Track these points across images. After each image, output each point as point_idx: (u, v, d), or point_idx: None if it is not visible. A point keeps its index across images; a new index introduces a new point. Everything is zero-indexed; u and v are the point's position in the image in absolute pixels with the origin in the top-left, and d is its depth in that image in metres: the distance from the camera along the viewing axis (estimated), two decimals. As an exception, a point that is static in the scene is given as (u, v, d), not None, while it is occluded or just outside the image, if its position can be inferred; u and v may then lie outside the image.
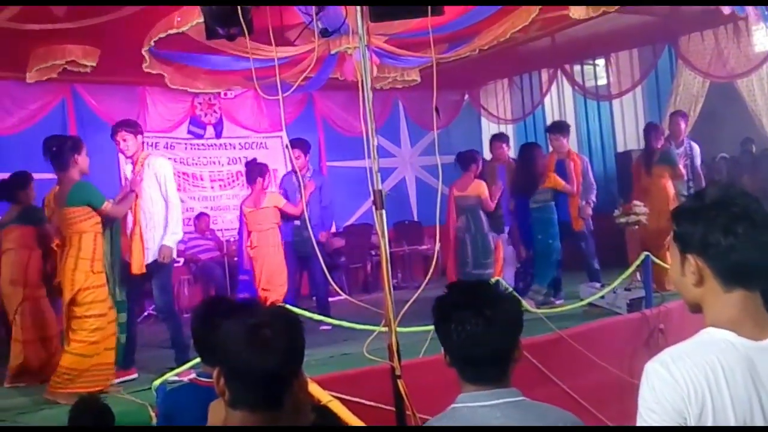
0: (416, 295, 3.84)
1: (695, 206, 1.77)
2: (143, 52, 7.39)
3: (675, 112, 9.21)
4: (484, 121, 13.14)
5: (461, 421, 1.97)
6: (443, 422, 2.01)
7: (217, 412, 1.87)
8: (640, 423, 1.67)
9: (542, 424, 1.96)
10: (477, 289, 2.13)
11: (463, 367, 2.05)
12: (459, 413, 2.00)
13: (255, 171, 7.83)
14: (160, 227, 6.11)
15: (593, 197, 8.39)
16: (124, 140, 6.19)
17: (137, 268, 6.00)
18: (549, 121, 12.08)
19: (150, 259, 6.06)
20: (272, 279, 7.44)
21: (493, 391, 2.00)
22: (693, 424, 1.61)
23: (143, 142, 6.50)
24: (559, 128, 8.60)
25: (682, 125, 8.74)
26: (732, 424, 1.61)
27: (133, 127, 6.34)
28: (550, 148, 8.63)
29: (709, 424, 1.61)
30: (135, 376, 5.97)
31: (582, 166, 8.32)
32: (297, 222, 7.90)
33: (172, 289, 6.61)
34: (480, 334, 1.99)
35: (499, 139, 9.34)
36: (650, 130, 8.72)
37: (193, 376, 3.16)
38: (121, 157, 10.06)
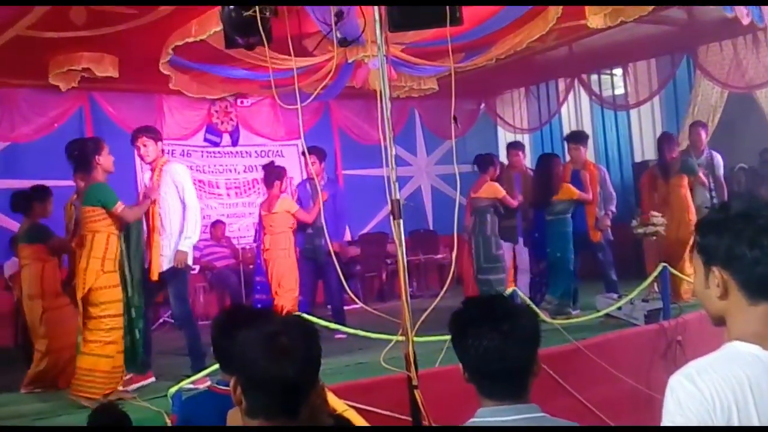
0: (434, 304, 3.83)
1: (720, 218, 1.75)
2: (161, 64, 7.44)
3: (695, 122, 9.16)
4: (500, 130, 13.11)
5: None
6: None
7: (236, 420, 1.87)
8: None
9: None
10: (493, 304, 2.10)
11: (481, 383, 2.02)
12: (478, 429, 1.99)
13: (273, 174, 7.85)
14: (176, 234, 6.13)
15: (613, 207, 8.34)
16: (145, 146, 6.23)
17: (153, 274, 6.03)
18: (566, 131, 12.04)
19: (166, 266, 6.08)
20: (282, 282, 7.45)
21: (513, 407, 1.98)
22: None
23: (162, 149, 6.52)
24: (578, 138, 8.57)
25: (703, 135, 8.68)
26: None
27: (153, 133, 6.39)
28: (568, 158, 8.60)
29: None
30: (153, 379, 5.98)
31: (599, 176, 8.28)
32: (309, 230, 7.90)
33: (188, 297, 6.62)
34: (497, 349, 1.96)
35: (514, 147, 9.33)
36: (664, 140, 8.67)
37: (210, 383, 3.16)
38: (139, 163, 10.20)
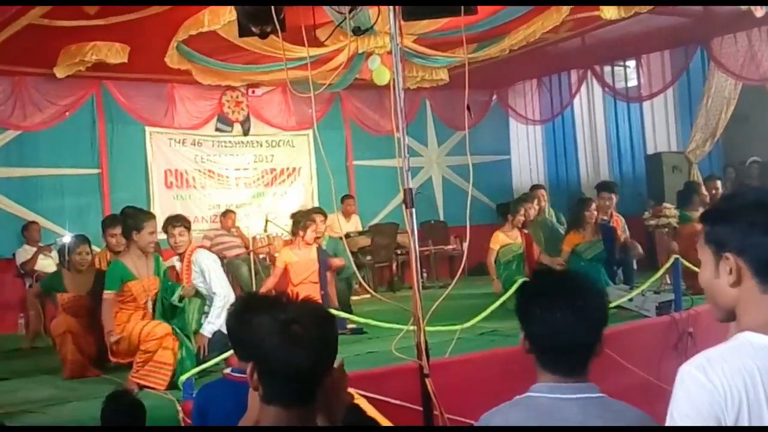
0: (446, 293, 3.83)
1: (730, 207, 1.74)
2: (169, 52, 7.46)
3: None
4: (511, 121, 13.08)
5: (539, 410, 1.93)
6: (519, 409, 1.96)
7: (255, 400, 1.88)
8: (669, 424, 1.64)
9: (619, 423, 1.91)
10: (568, 279, 2.11)
11: (544, 356, 2.00)
12: (536, 402, 1.95)
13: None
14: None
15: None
16: (181, 235, 6.07)
17: None
18: (578, 123, 12.04)
19: None
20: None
21: (573, 385, 1.96)
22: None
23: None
24: (610, 187, 8.27)
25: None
26: None
27: (187, 222, 6.22)
28: (594, 206, 7.98)
29: None
30: None
31: (621, 225, 8.18)
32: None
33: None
34: (569, 323, 1.95)
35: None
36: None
37: (227, 371, 3.17)
38: (150, 154, 10.24)
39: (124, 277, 5.69)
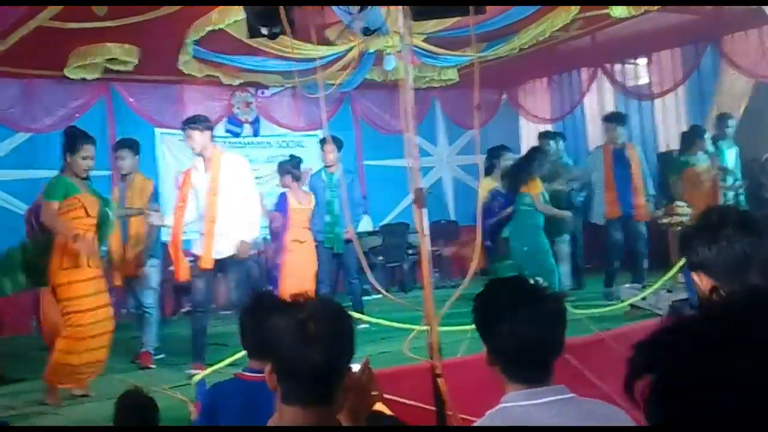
0: (457, 292, 3.81)
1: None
2: (184, 58, 7.47)
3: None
4: (522, 120, 13.03)
5: (515, 420, 1.93)
6: (496, 422, 1.97)
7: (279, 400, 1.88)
8: None
9: (594, 422, 1.91)
10: (518, 286, 2.10)
11: (508, 366, 2.00)
12: (511, 412, 1.96)
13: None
14: (232, 224, 6.15)
15: (652, 190, 8.59)
16: (190, 137, 6.21)
17: (206, 262, 6.11)
18: (589, 121, 11.97)
19: (224, 255, 6.15)
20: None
21: (542, 389, 1.96)
22: None
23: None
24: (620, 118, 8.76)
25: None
26: None
27: (198, 123, 6.27)
28: (605, 138, 8.68)
29: None
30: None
31: (639, 156, 8.54)
32: (327, 218, 7.88)
33: (246, 285, 6.64)
34: (530, 333, 1.96)
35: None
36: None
37: (239, 370, 3.17)
38: (162, 156, 10.27)
39: (69, 191, 5.53)
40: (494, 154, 8.54)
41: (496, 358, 2.03)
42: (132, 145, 7.08)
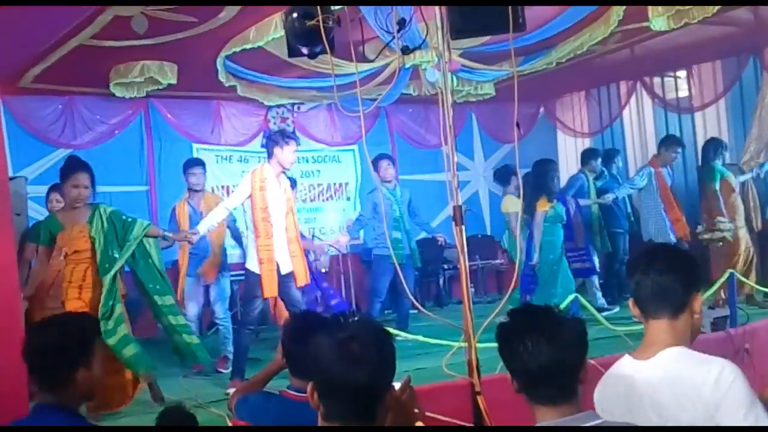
0: (498, 309, 3.79)
1: None
2: (218, 65, 7.55)
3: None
4: (559, 134, 12.95)
5: None
6: None
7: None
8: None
9: None
10: (537, 313, 2.14)
11: (537, 393, 2.05)
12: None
13: None
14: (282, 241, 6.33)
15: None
16: (292, 152, 6.44)
17: (302, 280, 6.35)
18: (628, 135, 11.86)
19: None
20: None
21: (577, 416, 1.99)
22: None
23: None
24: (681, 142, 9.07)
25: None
26: None
27: (294, 138, 6.63)
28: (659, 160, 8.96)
29: None
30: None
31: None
32: (396, 234, 8.03)
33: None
34: (543, 356, 2.00)
35: None
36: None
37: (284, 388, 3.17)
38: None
39: (52, 229, 5.46)
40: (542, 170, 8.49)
41: (520, 383, 2.09)
42: (203, 164, 7.96)
